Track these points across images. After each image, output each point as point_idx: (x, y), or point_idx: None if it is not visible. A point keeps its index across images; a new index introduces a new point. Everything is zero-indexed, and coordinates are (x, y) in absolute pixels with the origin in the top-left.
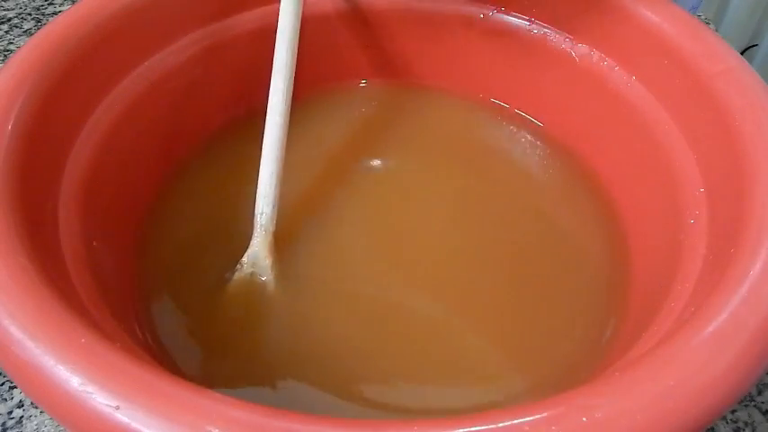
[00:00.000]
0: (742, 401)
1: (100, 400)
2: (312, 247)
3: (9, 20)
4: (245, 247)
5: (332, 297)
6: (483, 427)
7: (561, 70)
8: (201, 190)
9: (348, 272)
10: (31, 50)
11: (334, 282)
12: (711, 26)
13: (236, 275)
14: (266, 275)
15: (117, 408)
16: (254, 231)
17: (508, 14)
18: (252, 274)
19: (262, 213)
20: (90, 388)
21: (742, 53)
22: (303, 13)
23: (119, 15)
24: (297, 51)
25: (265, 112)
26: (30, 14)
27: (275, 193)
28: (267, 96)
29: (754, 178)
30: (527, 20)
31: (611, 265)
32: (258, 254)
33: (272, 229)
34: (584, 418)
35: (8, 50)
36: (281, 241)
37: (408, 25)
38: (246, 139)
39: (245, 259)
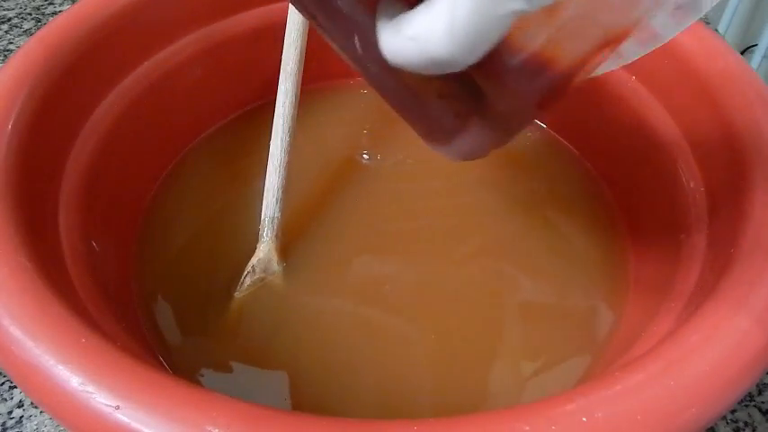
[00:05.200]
0: (742, 401)
1: (100, 399)
2: (318, 247)
3: (9, 20)
4: (245, 245)
5: (338, 297)
6: (483, 427)
7: None
8: (201, 189)
9: (353, 271)
10: (30, 50)
11: (339, 281)
12: (711, 26)
13: (249, 280)
14: (277, 279)
15: (117, 407)
16: (262, 236)
17: None
18: (263, 278)
19: (273, 218)
20: (90, 388)
21: (742, 53)
22: None
23: (119, 15)
24: (304, 57)
25: (266, 112)
26: (30, 14)
27: (284, 199)
28: (268, 96)
29: (754, 178)
30: None
31: (610, 265)
32: (269, 258)
33: (280, 233)
34: (584, 418)
35: (8, 50)
36: (287, 242)
37: None
38: (246, 139)
39: (255, 264)
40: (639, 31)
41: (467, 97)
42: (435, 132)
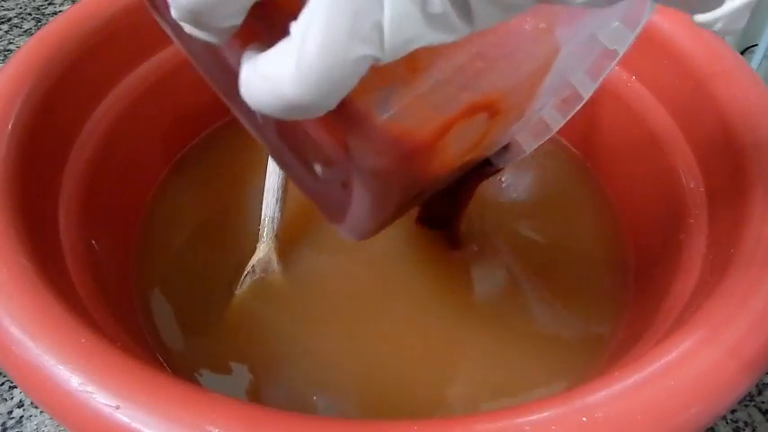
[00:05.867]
0: (742, 401)
1: (100, 399)
2: (318, 247)
3: (9, 20)
4: (245, 245)
5: (338, 296)
6: (484, 427)
7: None
8: (201, 189)
9: (353, 271)
10: (30, 50)
11: (339, 281)
12: None
13: (249, 280)
14: (276, 278)
15: (117, 407)
16: (262, 236)
17: None
18: (263, 278)
19: (273, 218)
20: (90, 388)
21: (742, 53)
22: None
23: (119, 15)
24: None
25: None
26: (30, 14)
27: (284, 199)
28: None
29: (754, 178)
30: None
31: (610, 265)
32: (269, 258)
33: (280, 233)
34: (584, 418)
35: (8, 50)
36: (287, 241)
37: None
38: (246, 139)
39: (255, 264)
40: (530, 123)
41: (344, 160)
42: (331, 206)
